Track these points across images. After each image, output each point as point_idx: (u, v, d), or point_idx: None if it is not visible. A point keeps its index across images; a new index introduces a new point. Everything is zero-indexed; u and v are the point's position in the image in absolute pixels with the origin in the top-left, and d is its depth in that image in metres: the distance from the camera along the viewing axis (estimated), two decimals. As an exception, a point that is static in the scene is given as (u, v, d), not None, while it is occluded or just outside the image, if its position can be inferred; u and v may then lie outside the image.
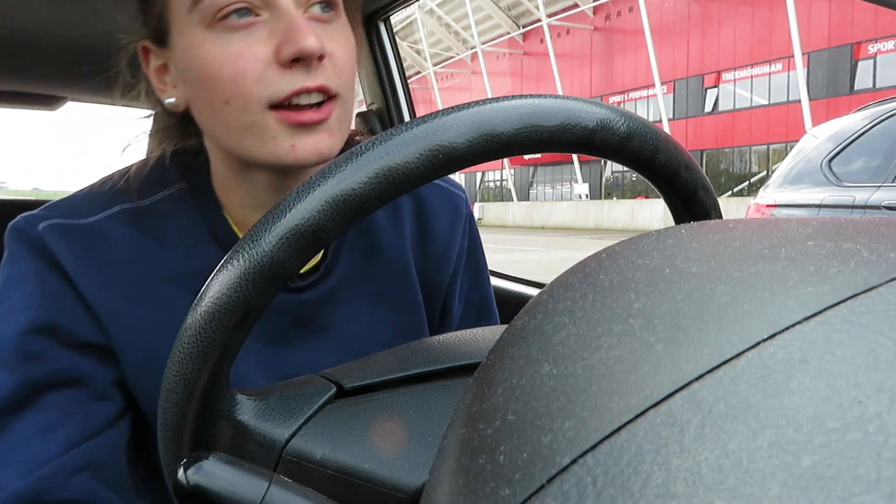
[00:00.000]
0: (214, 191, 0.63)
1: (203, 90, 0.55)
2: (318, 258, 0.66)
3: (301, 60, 0.52)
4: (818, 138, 3.85)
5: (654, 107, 25.27)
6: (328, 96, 0.55)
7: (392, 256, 0.69)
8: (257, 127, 0.54)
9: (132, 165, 0.64)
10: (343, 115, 0.58)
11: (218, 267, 0.33)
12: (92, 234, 0.59)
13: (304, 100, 0.54)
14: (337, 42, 0.56)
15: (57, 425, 0.55)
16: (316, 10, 0.55)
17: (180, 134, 0.65)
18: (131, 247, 0.60)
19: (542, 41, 30.18)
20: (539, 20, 29.74)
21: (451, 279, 0.75)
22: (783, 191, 3.84)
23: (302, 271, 0.64)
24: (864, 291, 0.18)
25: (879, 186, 3.34)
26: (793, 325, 0.17)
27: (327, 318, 0.66)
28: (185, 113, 0.61)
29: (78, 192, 0.63)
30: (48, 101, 1.67)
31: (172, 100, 0.59)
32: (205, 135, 0.62)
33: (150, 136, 0.69)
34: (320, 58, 0.53)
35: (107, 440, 0.58)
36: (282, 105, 0.53)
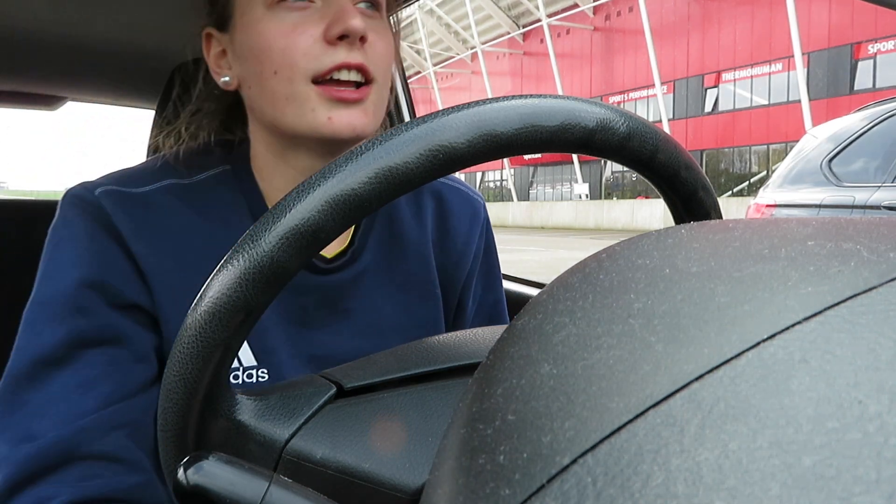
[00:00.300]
0: (254, 174, 0.69)
1: (256, 62, 0.61)
2: (346, 243, 0.70)
3: (345, 38, 0.59)
4: (818, 138, 3.85)
5: (654, 107, 25.26)
6: (366, 80, 0.61)
7: (415, 250, 0.74)
8: (300, 98, 0.59)
9: (179, 148, 0.70)
10: (378, 101, 0.63)
11: (218, 267, 0.33)
12: (144, 202, 0.63)
13: (344, 75, 0.59)
14: (377, 34, 0.63)
15: (96, 381, 0.58)
16: (362, 6, 0.63)
17: (224, 122, 0.72)
18: (179, 217, 0.64)
19: (542, 41, 30.18)
20: (539, 20, 29.74)
21: (467, 279, 0.79)
22: (783, 191, 3.83)
23: (330, 255, 0.69)
24: (864, 291, 0.18)
25: (879, 186, 3.34)
26: (793, 325, 0.17)
27: (351, 303, 0.69)
28: (232, 100, 0.69)
29: (130, 167, 0.68)
30: (48, 101, 1.67)
31: (227, 78, 0.66)
32: (251, 113, 0.67)
33: (189, 123, 0.73)
34: (362, 39, 0.59)
35: (141, 403, 0.59)
36: (323, 80, 0.59)
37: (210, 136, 0.71)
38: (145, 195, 0.64)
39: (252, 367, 0.64)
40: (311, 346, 0.66)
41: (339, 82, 0.59)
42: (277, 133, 0.64)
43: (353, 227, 0.70)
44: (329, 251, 0.69)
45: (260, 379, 0.64)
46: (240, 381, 0.63)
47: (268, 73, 0.60)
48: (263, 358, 0.64)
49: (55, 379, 0.57)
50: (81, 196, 0.62)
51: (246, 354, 0.64)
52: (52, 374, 0.57)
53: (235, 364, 0.63)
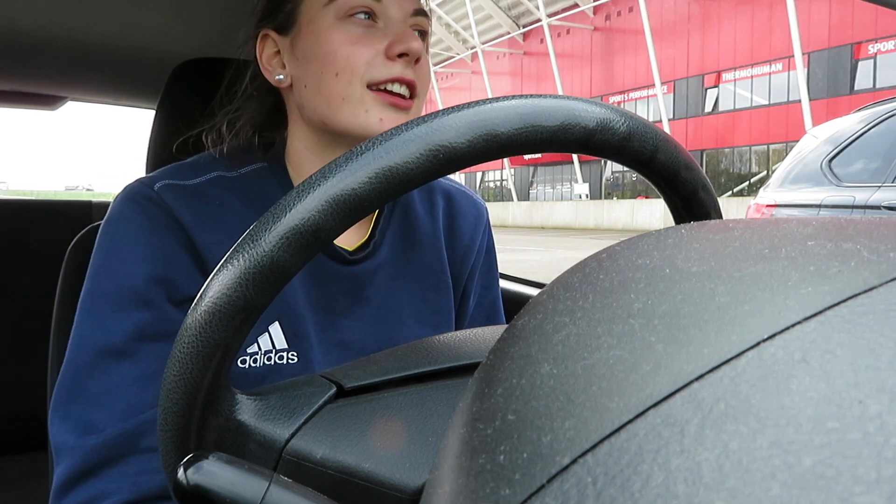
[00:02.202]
0: (289, 171, 0.74)
1: (319, 64, 0.67)
2: (366, 237, 0.75)
3: (404, 56, 0.67)
4: (818, 138, 3.85)
5: (654, 107, 25.26)
6: (412, 95, 0.68)
7: (428, 243, 0.80)
8: (356, 99, 0.66)
9: (224, 145, 0.74)
10: (417, 115, 0.70)
11: (218, 266, 0.33)
12: (198, 193, 0.68)
13: (396, 88, 0.67)
14: (424, 58, 0.70)
15: (155, 376, 0.60)
16: (416, 33, 0.70)
17: (266, 123, 0.78)
18: (228, 207, 0.69)
19: (542, 41, 30.18)
20: (539, 20, 29.74)
21: (471, 273, 0.85)
22: (783, 191, 3.83)
23: (351, 248, 0.74)
24: (864, 291, 0.18)
25: (879, 186, 3.34)
26: (793, 325, 0.17)
27: (372, 291, 0.74)
28: (272, 104, 0.75)
29: (178, 162, 0.73)
30: (48, 101, 1.67)
31: (281, 76, 0.71)
32: (298, 111, 0.72)
33: (228, 124, 0.77)
34: (417, 60, 0.67)
35: None
36: (378, 87, 0.66)
37: (252, 135, 0.76)
38: (197, 186, 0.68)
39: (283, 350, 0.68)
40: (336, 331, 0.71)
41: (391, 91, 0.67)
42: (324, 130, 0.70)
43: (374, 221, 0.76)
44: (350, 244, 0.74)
45: (290, 361, 0.67)
46: (272, 362, 0.67)
47: (328, 75, 0.66)
48: (294, 341, 0.68)
49: (116, 370, 0.59)
50: (141, 192, 0.65)
51: (279, 337, 0.68)
52: (113, 364, 0.59)
53: (269, 346, 0.67)
